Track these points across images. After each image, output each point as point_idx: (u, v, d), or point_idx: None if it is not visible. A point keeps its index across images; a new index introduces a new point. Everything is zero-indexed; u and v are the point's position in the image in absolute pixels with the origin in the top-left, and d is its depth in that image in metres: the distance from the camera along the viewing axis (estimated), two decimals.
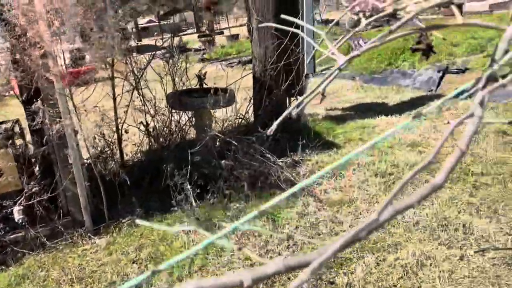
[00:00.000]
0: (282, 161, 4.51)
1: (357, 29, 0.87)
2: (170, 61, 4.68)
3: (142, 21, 33.44)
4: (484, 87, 0.63)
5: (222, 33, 22.43)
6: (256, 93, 5.42)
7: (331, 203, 3.84)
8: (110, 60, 3.99)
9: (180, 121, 4.58)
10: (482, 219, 3.35)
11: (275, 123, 0.76)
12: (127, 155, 4.65)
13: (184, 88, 4.72)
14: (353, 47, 12.31)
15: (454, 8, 1.00)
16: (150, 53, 4.93)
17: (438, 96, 7.29)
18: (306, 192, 4.00)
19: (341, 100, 7.41)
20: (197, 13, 27.04)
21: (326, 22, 17.29)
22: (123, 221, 3.76)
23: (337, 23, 16.99)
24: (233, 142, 3.96)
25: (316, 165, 4.60)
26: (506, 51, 0.74)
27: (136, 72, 4.27)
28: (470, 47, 9.73)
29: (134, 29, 26.68)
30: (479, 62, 8.81)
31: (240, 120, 5.18)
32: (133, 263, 3.25)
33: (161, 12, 28.00)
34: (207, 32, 22.16)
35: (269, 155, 4.09)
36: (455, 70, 8.67)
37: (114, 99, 4.30)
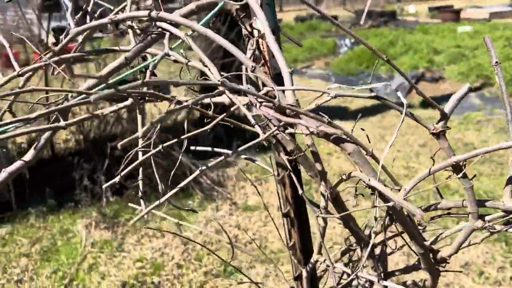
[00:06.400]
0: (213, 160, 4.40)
1: None
2: None
3: None
4: None
5: None
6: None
7: (246, 207, 3.75)
8: None
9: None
10: None
11: None
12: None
13: None
14: (339, 45, 12.14)
15: None
16: None
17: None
18: (223, 195, 3.90)
19: (303, 100, 7.27)
20: None
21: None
22: (31, 210, 3.68)
23: (336, 19, 16.80)
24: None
25: (245, 168, 4.50)
26: None
27: None
28: (451, 55, 9.53)
29: None
30: (455, 71, 8.63)
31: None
32: (23, 256, 3.17)
33: None
34: None
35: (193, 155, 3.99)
36: (430, 78, 8.51)
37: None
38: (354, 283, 1.09)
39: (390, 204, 0.62)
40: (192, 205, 3.79)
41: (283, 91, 0.70)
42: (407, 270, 1.02)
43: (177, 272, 3.04)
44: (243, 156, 1.19)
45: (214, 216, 3.65)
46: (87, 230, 3.42)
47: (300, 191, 0.71)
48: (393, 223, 0.92)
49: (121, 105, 0.72)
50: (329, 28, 15.40)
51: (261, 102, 0.64)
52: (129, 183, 3.98)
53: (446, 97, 7.83)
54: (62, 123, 0.69)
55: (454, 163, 0.63)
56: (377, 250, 1.12)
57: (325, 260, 0.82)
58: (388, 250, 1.20)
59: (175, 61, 0.76)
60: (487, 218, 0.67)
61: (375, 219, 0.65)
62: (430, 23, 15.80)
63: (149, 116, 5.45)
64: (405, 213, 0.74)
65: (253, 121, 0.64)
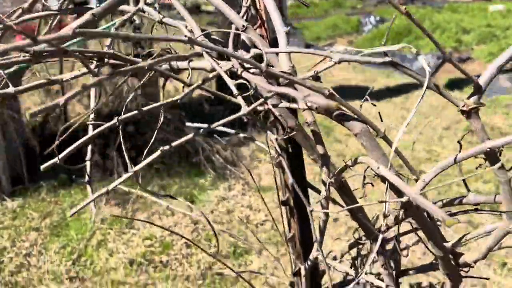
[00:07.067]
0: (228, 138, 4.31)
1: None
2: None
3: None
4: None
5: None
6: None
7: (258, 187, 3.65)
8: None
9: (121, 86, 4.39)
10: None
11: None
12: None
13: None
14: (364, 23, 11.76)
15: None
16: None
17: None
18: (236, 175, 3.80)
19: (324, 79, 7.07)
20: None
21: None
22: (43, 184, 3.65)
23: None
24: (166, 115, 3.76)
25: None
26: None
27: None
28: (481, 35, 9.11)
29: None
30: (484, 52, 8.26)
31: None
32: (33, 230, 3.15)
33: None
34: None
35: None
36: (457, 59, 8.16)
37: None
38: (362, 280, 0.97)
39: (404, 199, 0.49)
40: (204, 184, 3.70)
41: (277, 55, 0.57)
42: (422, 269, 0.89)
43: (186, 251, 2.97)
44: (241, 135, 1.07)
45: (226, 196, 3.56)
46: (97, 206, 3.38)
47: (290, 180, 0.58)
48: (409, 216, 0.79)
49: (77, 73, 0.60)
50: (355, 5, 14.94)
51: (244, 66, 0.51)
52: (141, 159, 3.91)
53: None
54: (11, 89, 0.58)
55: (488, 149, 0.49)
56: (390, 245, 1.00)
57: (326, 257, 0.70)
58: (403, 245, 1.07)
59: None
60: None
61: (384, 216, 0.53)
62: (460, 1, 15.12)
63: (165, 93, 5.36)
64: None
65: (235, 91, 0.52)
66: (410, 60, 8.43)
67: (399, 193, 0.55)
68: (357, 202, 0.79)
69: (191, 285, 2.71)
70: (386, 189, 0.53)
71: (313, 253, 0.72)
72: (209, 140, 3.92)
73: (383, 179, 0.53)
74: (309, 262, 0.75)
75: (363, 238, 0.95)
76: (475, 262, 0.59)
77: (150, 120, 4.21)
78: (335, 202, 0.91)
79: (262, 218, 3.30)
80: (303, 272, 0.77)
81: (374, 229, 0.86)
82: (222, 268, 2.80)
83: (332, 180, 0.62)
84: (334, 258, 1.07)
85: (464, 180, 0.61)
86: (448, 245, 0.61)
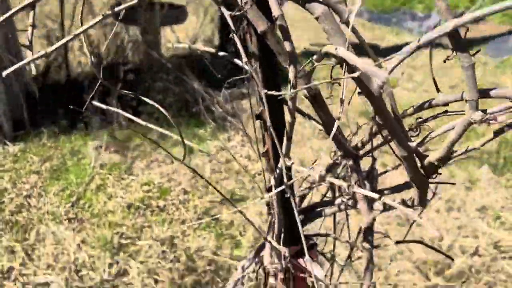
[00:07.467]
0: (230, 91, 4.27)
1: None
2: None
3: None
4: None
5: None
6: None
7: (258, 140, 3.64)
8: None
9: (125, 37, 4.33)
10: None
11: None
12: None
13: None
14: None
15: None
16: None
17: (438, 45, 6.69)
18: (236, 126, 3.79)
19: None
20: None
21: None
22: (44, 130, 3.68)
23: None
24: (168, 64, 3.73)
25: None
26: None
27: None
28: None
29: None
30: (498, 13, 8.00)
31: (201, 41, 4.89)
32: (33, 173, 3.20)
33: None
34: None
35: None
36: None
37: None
38: (337, 201, 0.97)
39: (356, 74, 0.47)
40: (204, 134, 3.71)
41: None
42: (398, 188, 0.88)
43: (183, 197, 3.01)
44: (221, 53, 1.04)
45: (225, 146, 3.57)
46: (97, 152, 3.40)
47: (262, 90, 0.56)
48: (381, 131, 0.77)
49: None
50: None
51: None
52: (141, 109, 3.92)
53: (484, 40, 7.34)
54: None
55: (452, 28, 0.47)
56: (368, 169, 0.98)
57: (292, 163, 0.69)
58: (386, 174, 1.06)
59: None
60: (489, 110, 0.52)
61: (341, 101, 0.51)
62: None
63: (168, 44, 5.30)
64: (388, 106, 0.59)
65: None
66: (421, 19, 8.21)
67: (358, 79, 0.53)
68: (332, 116, 0.78)
69: (187, 229, 2.75)
70: (344, 71, 0.51)
71: (281, 161, 0.71)
72: (209, 90, 3.89)
73: (341, 61, 0.51)
74: (277, 171, 0.75)
75: (339, 158, 0.94)
76: (440, 160, 0.58)
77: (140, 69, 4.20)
78: (310, 118, 0.89)
79: (260, 168, 3.31)
80: (272, 182, 0.77)
81: (350, 147, 0.85)
82: (218, 213, 2.84)
83: (299, 75, 0.60)
84: (313, 183, 1.06)
85: (434, 80, 0.59)
86: (412, 144, 0.59)
